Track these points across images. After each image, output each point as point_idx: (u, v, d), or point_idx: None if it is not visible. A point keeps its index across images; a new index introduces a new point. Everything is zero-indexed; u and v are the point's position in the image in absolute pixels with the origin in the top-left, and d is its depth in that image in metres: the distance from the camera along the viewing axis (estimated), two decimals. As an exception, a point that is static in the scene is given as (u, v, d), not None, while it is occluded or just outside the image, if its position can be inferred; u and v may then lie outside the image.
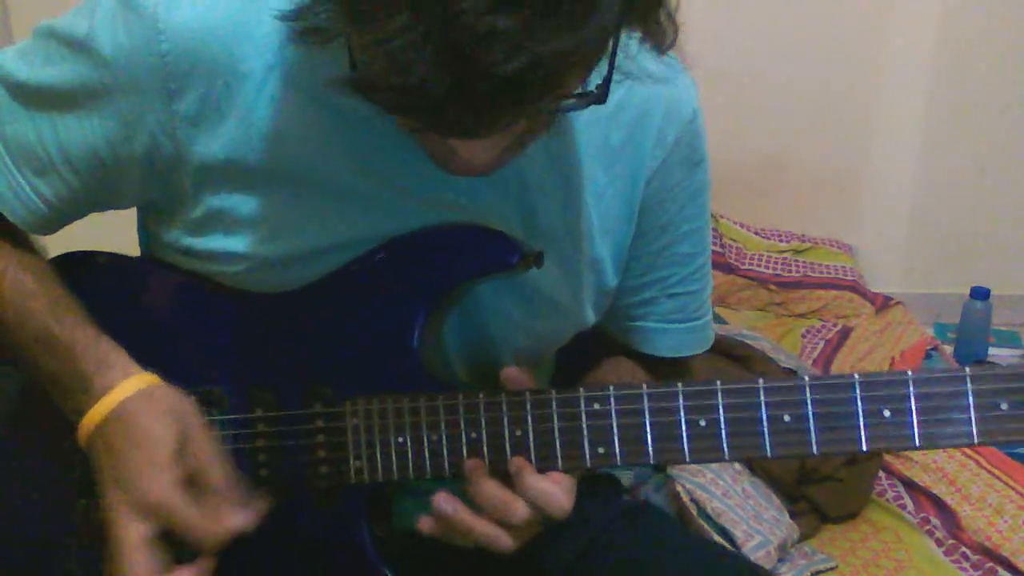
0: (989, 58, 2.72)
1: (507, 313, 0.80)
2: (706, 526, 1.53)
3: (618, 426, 0.71)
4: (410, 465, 0.74)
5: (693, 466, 1.60)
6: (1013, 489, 1.75)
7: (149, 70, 0.69)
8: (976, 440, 0.65)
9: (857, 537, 1.64)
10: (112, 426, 0.71)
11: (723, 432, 0.69)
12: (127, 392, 0.72)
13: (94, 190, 0.76)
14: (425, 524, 0.73)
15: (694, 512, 1.55)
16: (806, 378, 0.68)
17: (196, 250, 0.77)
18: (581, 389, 0.71)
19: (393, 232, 0.76)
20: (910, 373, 0.66)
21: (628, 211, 0.82)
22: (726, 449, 0.69)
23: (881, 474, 1.79)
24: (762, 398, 0.68)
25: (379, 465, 0.75)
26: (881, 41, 2.73)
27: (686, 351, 0.90)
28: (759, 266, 2.69)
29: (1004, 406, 0.64)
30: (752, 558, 1.48)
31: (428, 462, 0.74)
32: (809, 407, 0.67)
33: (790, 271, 2.70)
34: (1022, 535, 1.63)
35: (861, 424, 0.67)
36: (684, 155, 0.82)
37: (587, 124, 0.78)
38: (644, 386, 0.71)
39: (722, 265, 2.66)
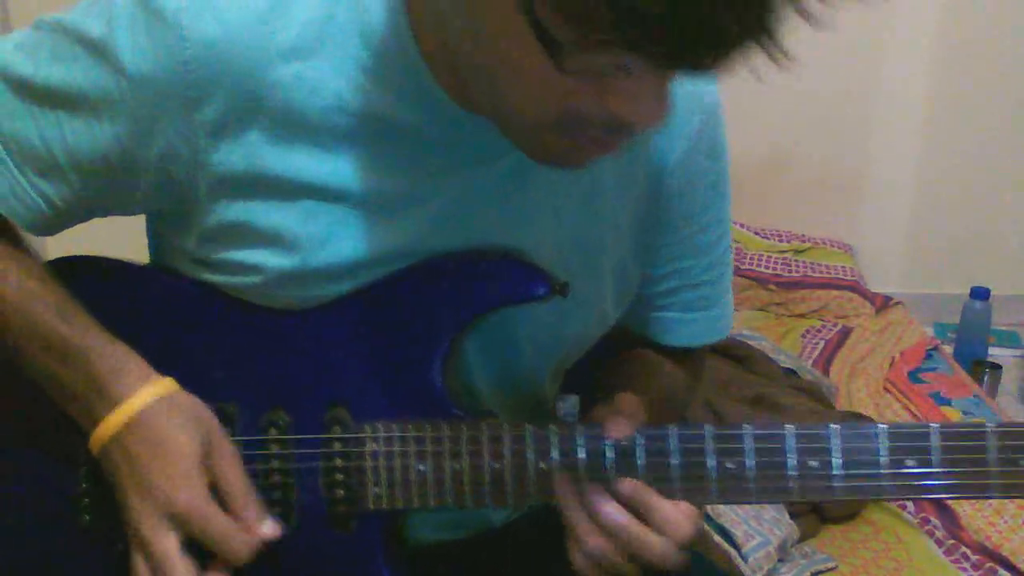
0: (988, 58, 2.72)
1: (537, 318, 0.79)
2: (706, 526, 1.53)
3: (645, 465, 0.70)
4: (430, 494, 0.73)
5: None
6: (1013, 489, 1.75)
7: (170, 78, 0.67)
8: (995, 495, 0.69)
9: (857, 537, 1.63)
10: (132, 434, 0.69)
11: (751, 475, 0.70)
12: (146, 399, 0.70)
13: (103, 195, 0.74)
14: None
15: (694, 512, 1.55)
16: (831, 426, 0.70)
17: (211, 260, 0.74)
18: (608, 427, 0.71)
19: (421, 248, 0.73)
20: (934, 425, 0.69)
21: (648, 202, 0.81)
22: (753, 491, 0.70)
23: (881, 474, 1.78)
24: (790, 444, 0.70)
25: (398, 493, 0.73)
26: (881, 41, 2.73)
27: (703, 340, 0.90)
28: (759, 266, 2.69)
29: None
30: (752, 558, 1.48)
31: (450, 491, 0.73)
32: (835, 454, 0.69)
33: (790, 271, 2.70)
34: (1022, 535, 1.63)
35: (884, 472, 0.69)
36: (708, 144, 0.82)
37: None
38: (673, 428, 0.71)
39: (722, 265, 2.66)
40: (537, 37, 0.54)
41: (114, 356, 0.72)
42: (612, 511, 0.70)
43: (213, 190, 0.71)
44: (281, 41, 0.67)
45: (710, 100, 0.81)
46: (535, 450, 0.71)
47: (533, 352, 0.81)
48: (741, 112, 2.96)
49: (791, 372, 2.08)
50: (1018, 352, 2.79)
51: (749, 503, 0.75)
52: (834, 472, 0.69)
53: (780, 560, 1.52)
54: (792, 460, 0.69)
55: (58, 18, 0.71)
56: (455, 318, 0.74)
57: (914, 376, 2.27)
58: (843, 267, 2.72)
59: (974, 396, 2.17)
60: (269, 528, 0.71)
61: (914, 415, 2.07)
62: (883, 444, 0.68)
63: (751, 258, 2.70)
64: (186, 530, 0.69)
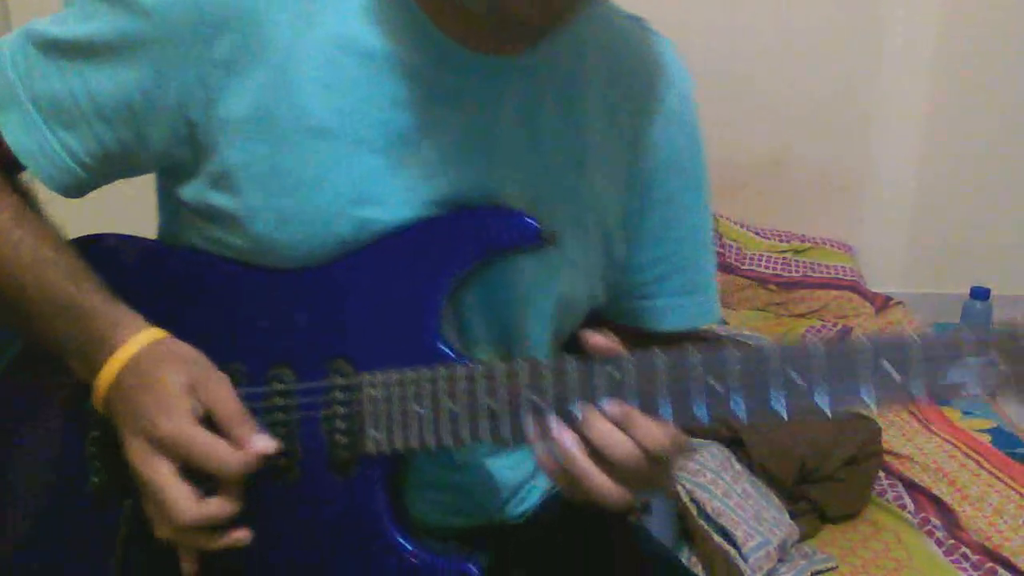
0: (989, 58, 2.72)
1: (530, 276, 0.81)
2: (706, 526, 1.54)
3: (638, 393, 0.70)
4: (428, 433, 0.75)
5: (693, 466, 1.60)
6: (1013, 489, 1.75)
7: (185, 17, 0.72)
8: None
9: (857, 537, 1.64)
10: (126, 377, 0.74)
11: (739, 396, 0.69)
12: (139, 344, 0.75)
13: (124, 142, 0.77)
14: (544, 461, 0.71)
15: (694, 512, 1.55)
16: (817, 343, 0.68)
17: (215, 207, 0.77)
18: (597, 356, 0.71)
19: (416, 187, 0.76)
20: (914, 336, 0.67)
21: (629, 176, 0.84)
22: (743, 414, 0.69)
23: (881, 474, 1.79)
24: (777, 362, 0.68)
25: (397, 435, 0.75)
26: (881, 41, 2.74)
27: (692, 324, 0.91)
28: (759, 266, 2.69)
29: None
30: (752, 558, 1.48)
31: (447, 429, 0.74)
32: (821, 370, 0.68)
33: (790, 271, 2.70)
34: (1022, 535, 1.64)
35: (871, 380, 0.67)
36: (686, 126, 0.85)
37: (595, 84, 0.81)
38: (657, 350, 0.71)
39: (722, 265, 2.66)
40: None
41: (114, 312, 0.76)
42: (602, 427, 0.69)
43: (222, 129, 0.74)
44: None
45: (682, 83, 0.86)
46: (529, 385, 0.72)
47: (529, 313, 0.83)
48: (741, 112, 2.97)
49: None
50: (1018, 352, 2.79)
51: (740, 424, 0.73)
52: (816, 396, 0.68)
53: (780, 560, 1.52)
54: (777, 379, 0.68)
55: None
56: (450, 270, 0.76)
57: (914, 376, 2.26)
58: (843, 267, 2.72)
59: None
60: (262, 443, 0.73)
61: (915, 415, 2.07)
62: (865, 354, 0.67)
63: (751, 258, 2.70)
64: (174, 455, 0.71)
